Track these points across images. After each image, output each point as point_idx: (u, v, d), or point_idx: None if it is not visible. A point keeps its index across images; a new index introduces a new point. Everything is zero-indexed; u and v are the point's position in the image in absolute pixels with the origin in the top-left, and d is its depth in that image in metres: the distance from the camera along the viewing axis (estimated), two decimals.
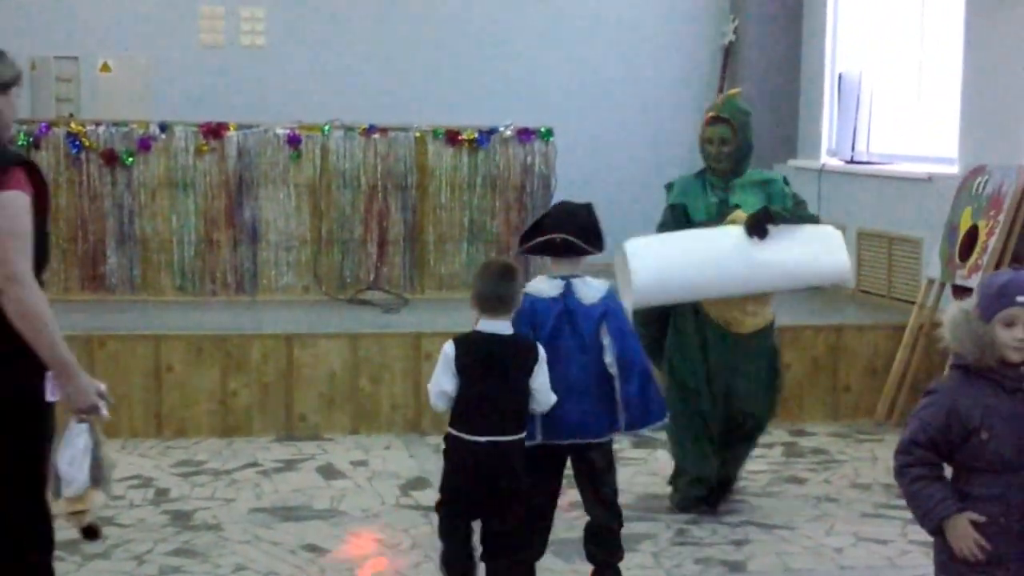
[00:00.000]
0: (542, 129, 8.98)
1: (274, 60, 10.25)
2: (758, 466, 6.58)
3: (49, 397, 3.63)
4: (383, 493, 6.23)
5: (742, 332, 5.83)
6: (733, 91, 6.41)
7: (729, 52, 10.70)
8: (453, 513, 4.48)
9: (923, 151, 8.94)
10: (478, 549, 4.51)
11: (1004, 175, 7.33)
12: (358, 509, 5.98)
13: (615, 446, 4.81)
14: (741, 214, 5.76)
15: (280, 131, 8.67)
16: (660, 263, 5.57)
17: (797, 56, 10.45)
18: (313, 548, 5.44)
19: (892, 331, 7.95)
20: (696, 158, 6.17)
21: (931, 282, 7.81)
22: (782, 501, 6.21)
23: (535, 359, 4.43)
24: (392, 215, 8.82)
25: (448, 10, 10.56)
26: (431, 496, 4.73)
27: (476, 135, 8.87)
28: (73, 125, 8.51)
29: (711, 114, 5.92)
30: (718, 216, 5.82)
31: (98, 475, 3.70)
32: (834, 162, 9.73)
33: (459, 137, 8.85)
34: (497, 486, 4.38)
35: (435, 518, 4.58)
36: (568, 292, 4.62)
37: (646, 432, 5.14)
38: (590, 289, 4.64)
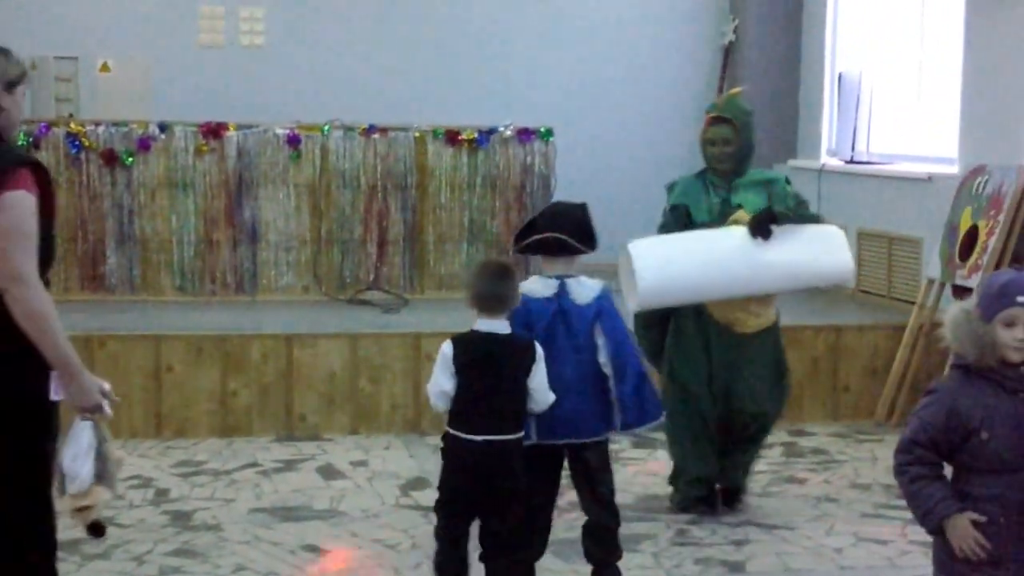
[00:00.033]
0: (542, 129, 8.98)
1: (274, 60, 10.25)
2: (758, 466, 6.56)
3: (53, 396, 3.63)
4: (383, 493, 6.23)
5: (746, 332, 5.82)
6: (734, 91, 6.39)
7: (729, 52, 10.69)
8: (451, 513, 4.47)
9: (923, 151, 8.93)
10: (474, 553, 4.50)
11: (1004, 175, 7.33)
12: (358, 509, 5.98)
13: (615, 446, 4.82)
14: (743, 214, 5.74)
15: (280, 131, 8.66)
16: (664, 265, 5.53)
17: (797, 56, 10.45)
18: (313, 548, 5.44)
19: (892, 331, 7.95)
20: (696, 158, 6.15)
21: (931, 282, 7.81)
22: (782, 501, 6.21)
23: (533, 358, 4.42)
24: (392, 215, 8.81)
25: (448, 10, 10.55)
26: (431, 496, 4.72)
27: (476, 135, 8.86)
28: (73, 125, 8.50)
29: (713, 114, 5.90)
30: (720, 216, 5.80)
31: (103, 472, 3.70)
32: (834, 162, 9.73)
33: (459, 137, 8.84)
34: (495, 485, 4.38)
35: (435, 518, 4.57)
36: (562, 292, 4.61)
37: (643, 432, 5.14)
38: (584, 289, 4.63)
